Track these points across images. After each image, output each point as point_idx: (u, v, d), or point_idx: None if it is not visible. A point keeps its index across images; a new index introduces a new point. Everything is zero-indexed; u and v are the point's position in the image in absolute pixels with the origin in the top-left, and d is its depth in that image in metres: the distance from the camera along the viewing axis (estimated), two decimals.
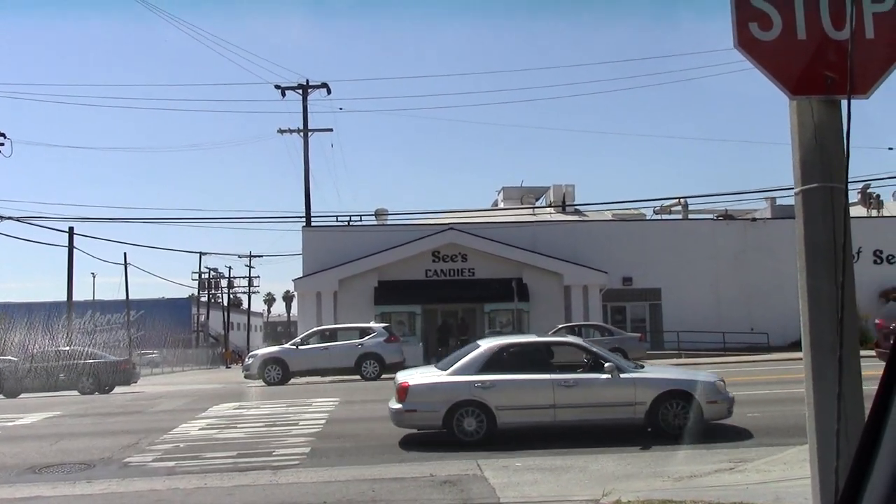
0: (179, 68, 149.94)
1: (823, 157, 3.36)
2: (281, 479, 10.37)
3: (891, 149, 38.95)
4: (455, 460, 11.11)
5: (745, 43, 3.38)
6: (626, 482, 9.00)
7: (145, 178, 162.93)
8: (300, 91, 40.58)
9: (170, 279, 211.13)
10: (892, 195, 47.68)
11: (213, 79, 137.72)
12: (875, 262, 37.42)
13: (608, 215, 43.92)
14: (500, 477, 9.74)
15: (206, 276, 78.26)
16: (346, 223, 40.47)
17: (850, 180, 3.25)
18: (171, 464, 11.89)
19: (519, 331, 35.92)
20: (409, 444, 12.66)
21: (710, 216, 43.45)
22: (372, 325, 29.21)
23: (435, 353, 36.82)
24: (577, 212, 44.90)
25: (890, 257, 39.35)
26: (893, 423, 1.40)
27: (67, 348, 31.02)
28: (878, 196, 46.33)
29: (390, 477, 10.20)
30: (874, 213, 43.08)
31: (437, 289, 37.84)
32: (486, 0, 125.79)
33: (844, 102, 3.43)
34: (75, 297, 43.10)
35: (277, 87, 40.66)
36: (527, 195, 48.86)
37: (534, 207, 46.19)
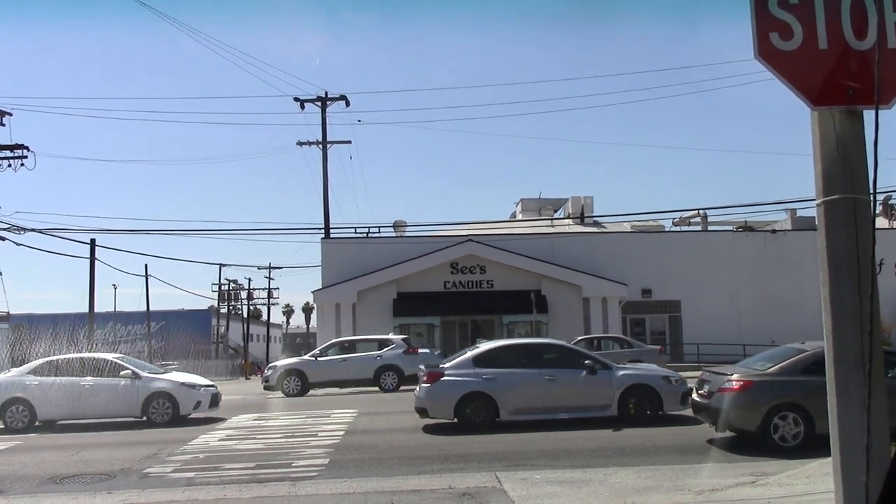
0: (199, 81, 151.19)
1: (846, 168, 3.34)
2: (300, 490, 10.37)
3: None
4: (474, 472, 11.08)
5: (766, 53, 3.36)
6: (645, 495, 8.94)
7: (166, 191, 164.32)
8: (319, 104, 40.74)
9: (190, 290, 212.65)
10: None
11: (233, 91, 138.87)
12: (893, 274, 37.00)
13: (627, 227, 43.79)
14: (519, 490, 9.69)
15: (226, 287, 78.59)
16: (365, 235, 40.57)
17: (871, 192, 3.22)
18: (191, 475, 11.92)
19: None
20: (428, 456, 12.64)
21: (730, 228, 43.21)
22: (391, 336, 29.21)
23: None
24: (595, 223, 44.79)
25: None
26: None
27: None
28: None
29: (409, 489, 10.17)
30: (895, 224, 42.71)
31: (455, 300, 37.84)
32: (505, 12, 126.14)
33: (866, 113, 3.42)
34: (97, 309, 43.33)
35: (296, 99, 40.85)
36: (545, 207, 48.82)
37: (552, 219, 46.13)
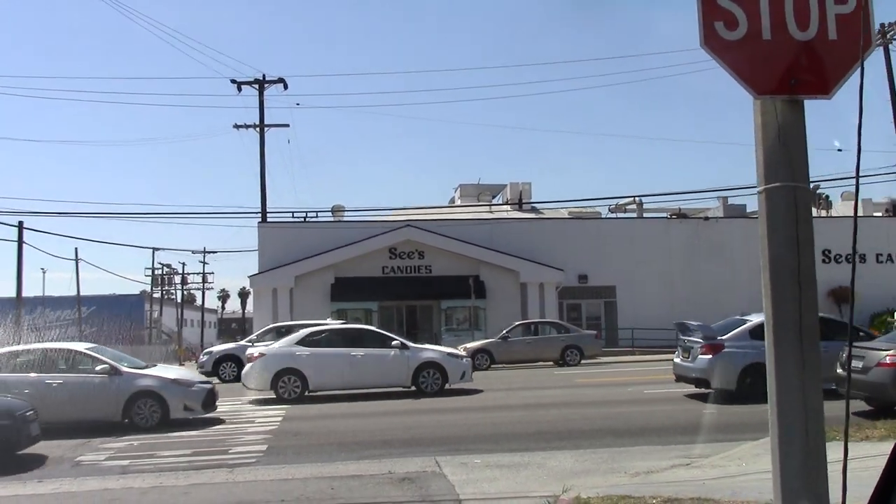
0: (133, 61, 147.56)
1: (786, 157, 3.40)
2: (238, 477, 10.27)
3: (840, 150, 39.70)
4: (414, 457, 11.11)
5: (711, 42, 3.40)
6: (584, 478, 9.06)
7: (97, 172, 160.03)
8: (256, 86, 40.14)
9: (122, 275, 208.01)
10: (841, 196, 48.69)
11: (168, 72, 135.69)
12: (824, 261, 38.02)
13: (564, 213, 44.20)
14: (459, 474, 9.74)
15: (160, 272, 77.26)
16: (303, 219, 40.20)
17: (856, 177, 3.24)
18: (125, 462, 11.72)
19: (475, 328, 36.09)
20: (367, 442, 12.64)
21: (664, 215, 43.93)
22: (328, 321, 29.05)
23: None
24: (533, 209, 45.11)
25: (837, 257, 40.10)
26: None
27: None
28: (828, 197, 47.30)
29: (349, 474, 10.15)
30: (823, 213, 43.93)
31: (393, 286, 37.78)
32: None
33: (807, 103, 3.49)
34: (25, 293, 42.29)
35: (234, 81, 40.18)
36: (484, 193, 48.99)
37: (491, 205, 46.32)
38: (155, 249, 72.26)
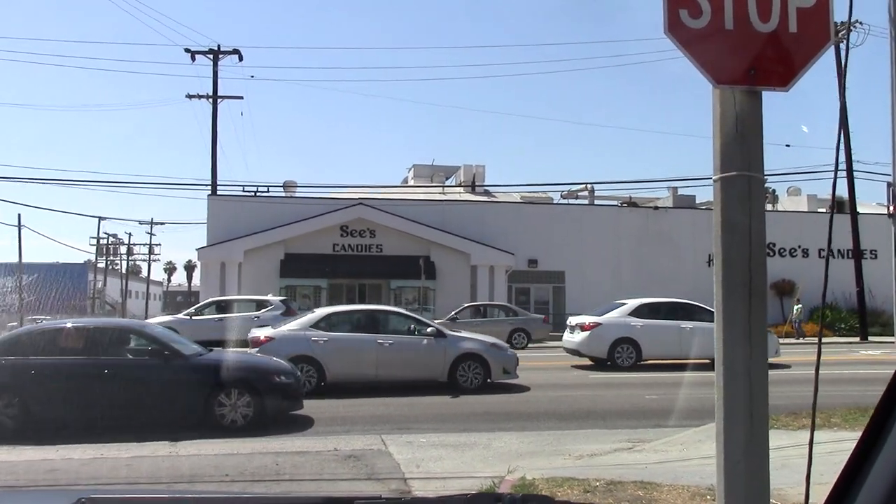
0: (82, 23, 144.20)
1: (743, 147, 3.44)
2: (181, 450, 10.16)
3: (788, 146, 40.46)
4: (359, 435, 11.13)
5: (675, 29, 3.42)
6: (529, 459, 9.15)
7: (42, 138, 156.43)
8: (211, 56, 39.51)
9: (67, 244, 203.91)
10: (787, 191, 49.66)
11: (119, 37, 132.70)
12: (769, 254, 38.77)
13: (517, 197, 44.40)
14: (404, 452, 9.77)
15: (105, 241, 75.94)
16: (254, 194, 39.77)
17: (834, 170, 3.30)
18: (65, 432, 11.50)
19: (424, 308, 36.14)
20: (313, 418, 12.59)
21: (615, 203, 44.37)
22: (269, 297, 28.90)
23: None
24: (486, 192, 45.24)
25: (781, 251, 41.02)
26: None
27: None
28: (774, 191, 48.25)
29: (293, 450, 10.12)
30: (769, 207, 44.79)
31: (343, 263, 37.65)
32: None
33: (765, 94, 3.54)
34: None
35: (188, 50, 39.48)
36: (437, 174, 48.99)
37: (444, 186, 46.34)
38: (101, 219, 71.18)
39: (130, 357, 12.11)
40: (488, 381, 16.04)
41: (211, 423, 11.56)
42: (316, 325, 16.30)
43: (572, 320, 21.93)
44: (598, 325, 20.56)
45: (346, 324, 16.81)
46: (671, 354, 19.90)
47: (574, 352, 21.23)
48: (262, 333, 16.38)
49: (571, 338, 21.37)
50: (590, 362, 21.00)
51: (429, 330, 16.48)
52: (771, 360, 19.56)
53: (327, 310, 17.85)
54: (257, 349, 15.55)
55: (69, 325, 13.10)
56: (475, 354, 16.16)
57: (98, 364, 11.74)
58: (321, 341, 15.82)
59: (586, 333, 20.60)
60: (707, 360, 16.75)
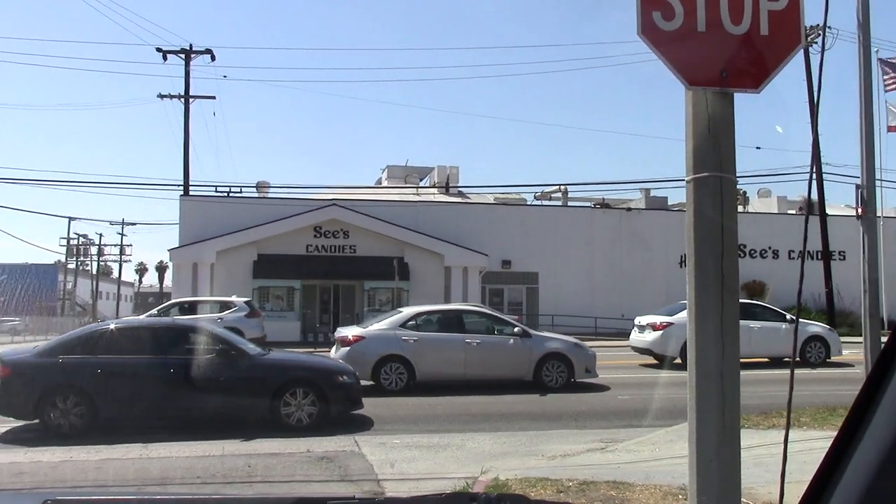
0: (53, 22, 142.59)
1: (715, 148, 3.47)
2: (152, 452, 10.06)
3: (758, 148, 40.85)
4: (332, 436, 11.07)
5: (648, 31, 3.44)
6: (502, 460, 9.16)
7: (11, 137, 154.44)
8: (183, 56, 39.19)
9: (37, 244, 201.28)
10: (757, 193, 50.13)
11: (90, 36, 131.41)
12: (739, 256, 38.96)
13: (490, 199, 44.45)
14: (377, 454, 9.75)
15: (76, 242, 75.15)
16: (226, 194, 39.49)
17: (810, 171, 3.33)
18: (33, 435, 11.37)
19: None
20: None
21: (589, 204, 44.56)
22: (234, 298, 28.69)
23: (313, 329, 36.56)
24: (460, 194, 45.25)
25: (752, 252, 41.40)
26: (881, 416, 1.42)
27: None
28: (745, 193, 48.67)
29: (266, 452, 10.07)
30: (740, 209, 45.18)
31: (317, 264, 37.48)
32: None
33: (736, 96, 3.57)
34: None
35: (159, 50, 39.11)
36: (411, 175, 48.94)
37: (417, 187, 46.28)
38: (71, 219, 70.33)
39: (201, 357, 12.04)
40: (572, 380, 16.34)
41: (277, 423, 11.67)
42: (404, 324, 16.59)
43: (641, 320, 21.75)
44: (670, 324, 20.22)
45: (434, 323, 17.02)
46: (742, 352, 19.96)
47: (645, 351, 21.20)
48: (350, 332, 16.73)
49: (642, 337, 21.27)
50: (654, 361, 21.03)
51: (515, 329, 16.84)
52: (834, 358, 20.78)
53: (415, 309, 17.98)
54: (347, 348, 15.93)
55: (137, 323, 13.17)
56: (559, 354, 16.47)
57: (167, 364, 11.76)
58: (411, 340, 16.16)
59: (658, 333, 20.50)
60: (769, 359, 20.01)
